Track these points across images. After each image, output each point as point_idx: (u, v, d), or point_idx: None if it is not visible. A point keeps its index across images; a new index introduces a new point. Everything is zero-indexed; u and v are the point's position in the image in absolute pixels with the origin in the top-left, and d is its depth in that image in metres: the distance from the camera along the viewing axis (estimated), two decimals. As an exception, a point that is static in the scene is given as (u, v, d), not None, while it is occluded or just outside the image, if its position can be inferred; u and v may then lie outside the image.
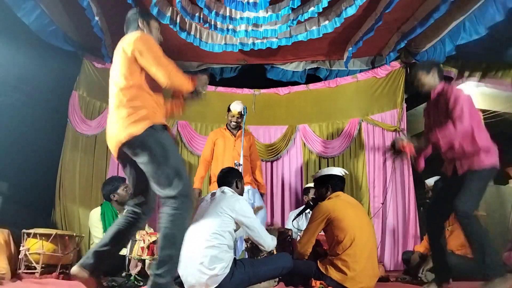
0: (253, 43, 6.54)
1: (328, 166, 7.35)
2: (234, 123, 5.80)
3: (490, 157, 3.73)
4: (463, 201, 3.63)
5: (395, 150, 3.97)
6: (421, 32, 6.20)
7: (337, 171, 4.25)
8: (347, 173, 4.49)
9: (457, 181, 3.80)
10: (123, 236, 3.23)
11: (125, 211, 3.37)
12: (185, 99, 3.70)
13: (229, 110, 5.80)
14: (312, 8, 5.67)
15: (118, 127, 3.07)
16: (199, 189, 5.77)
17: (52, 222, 6.08)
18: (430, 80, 4.07)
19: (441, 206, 4.05)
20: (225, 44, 6.64)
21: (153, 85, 3.17)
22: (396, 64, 7.19)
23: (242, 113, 5.62)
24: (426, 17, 5.89)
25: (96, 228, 4.98)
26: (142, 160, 3.02)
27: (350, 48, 6.82)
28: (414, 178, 6.78)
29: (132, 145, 3.02)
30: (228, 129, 5.89)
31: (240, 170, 4.94)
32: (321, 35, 6.19)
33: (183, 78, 3.22)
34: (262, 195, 5.96)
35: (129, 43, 3.17)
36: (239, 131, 5.82)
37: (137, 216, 3.25)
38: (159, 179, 2.98)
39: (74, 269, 3.04)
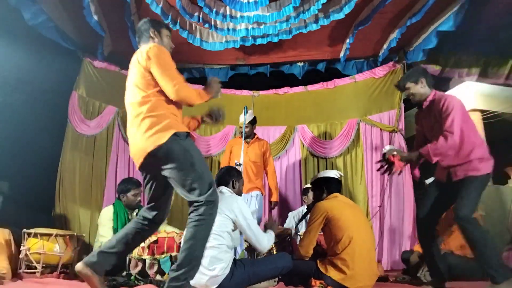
0: (254, 39, 6.54)
1: (326, 166, 7.43)
2: (240, 133, 5.98)
3: (485, 165, 3.73)
4: (462, 207, 3.62)
5: (386, 161, 3.96)
6: (418, 32, 6.23)
7: (333, 173, 4.28)
8: (342, 175, 4.51)
9: (452, 188, 3.80)
10: (131, 241, 3.25)
11: (137, 216, 3.38)
12: (203, 121, 3.79)
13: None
14: (312, 6, 5.69)
15: (141, 138, 3.11)
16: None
17: (52, 221, 6.09)
18: (420, 89, 4.01)
19: (432, 212, 4.02)
20: (226, 41, 6.64)
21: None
22: (394, 64, 7.21)
23: (250, 121, 6.04)
24: (417, 13, 5.91)
25: (104, 227, 4.92)
26: (168, 168, 3.05)
27: (348, 40, 6.80)
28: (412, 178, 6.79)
29: (158, 154, 3.05)
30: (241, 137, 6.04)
31: (240, 170, 4.98)
32: (319, 27, 6.16)
33: (191, 92, 3.24)
34: (273, 203, 6.31)
35: (142, 54, 3.21)
36: (252, 139, 6.17)
37: (147, 223, 3.27)
38: (186, 185, 3.01)
39: (79, 266, 3.06)
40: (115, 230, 4.87)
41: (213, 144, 7.71)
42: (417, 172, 4.27)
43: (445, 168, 3.91)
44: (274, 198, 6.25)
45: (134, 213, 5.13)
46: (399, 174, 4.02)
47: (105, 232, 4.91)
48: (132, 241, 3.26)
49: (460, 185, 3.74)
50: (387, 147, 4.01)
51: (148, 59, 3.17)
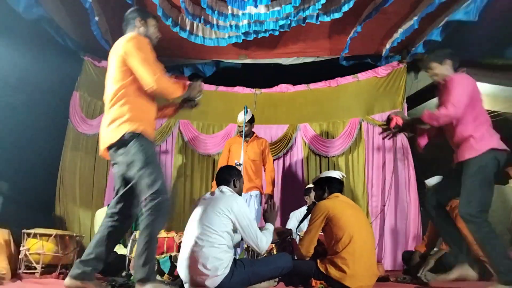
0: (256, 34, 6.52)
1: (328, 165, 7.43)
2: (240, 132, 6.01)
3: (483, 143, 3.64)
4: (462, 205, 3.60)
5: (388, 120, 4.07)
6: (421, 32, 6.19)
7: (335, 174, 4.29)
8: (345, 176, 4.51)
9: (459, 173, 3.77)
10: (107, 242, 3.29)
11: (104, 216, 3.43)
12: (180, 106, 3.80)
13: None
14: (312, 5, 5.70)
15: (106, 130, 3.21)
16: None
17: (53, 222, 6.09)
18: (443, 70, 3.98)
19: (441, 193, 4.03)
20: (229, 37, 6.64)
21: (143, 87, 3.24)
22: (397, 64, 7.19)
23: (249, 120, 5.96)
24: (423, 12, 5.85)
25: None
26: (123, 163, 3.15)
27: (350, 35, 6.77)
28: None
29: (116, 147, 3.16)
30: (240, 136, 6.05)
31: (240, 169, 4.97)
32: (318, 23, 6.13)
33: (169, 84, 3.26)
34: (266, 195, 6.15)
35: (121, 45, 3.24)
36: (251, 138, 6.14)
37: (116, 218, 3.33)
38: (138, 182, 3.09)
39: (67, 281, 3.14)
40: None
41: (215, 142, 7.70)
42: (422, 141, 4.21)
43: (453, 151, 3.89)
44: (268, 190, 6.16)
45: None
46: (390, 136, 4.13)
47: None
48: (108, 241, 3.30)
49: (464, 169, 3.70)
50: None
51: (126, 49, 3.19)
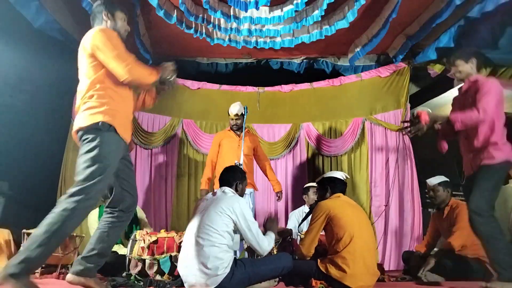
0: (256, 42, 6.55)
1: (331, 165, 7.44)
2: (234, 125, 5.93)
3: (500, 152, 3.69)
4: (474, 200, 3.64)
5: (413, 117, 4.01)
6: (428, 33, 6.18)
7: (339, 174, 4.31)
8: (348, 177, 4.51)
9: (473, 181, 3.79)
10: (107, 238, 3.28)
11: (103, 213, 3.41)
12: (158, 91, 3.73)
13: (229, 113, 5.93)
14: (316, 12, 5.67)
15: (77, 117, 3.19)
16: (206, 189, 5.84)
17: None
18: (468, 68, 3.99)
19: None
20: (230, 40, 6.64)
21: (117, 79, 3.21)
22: (401, 64, 7.17)
23: (243, 113, 5.75)
24: (429, 22, 5.87)
25: (93, 229, 4.96)
26: (80, 153, 3.11)
27: (358, 49, 6.78)
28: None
29: (80, 136, 3.14)
30: (232, 130, 5.98)
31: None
32: (323, 37, 6.19)
33: (143, 71, 3.24)
34: (278, 193, 6.13)
35: (87, 39, 3.20)
36: (241, 132, 5.88)
37: (115, 214, 3.32)
38: (78, 174, 3.04)
39: (69, 277, 3.13)
40: None
41: None
42: (444, 144, 4.22)
43: (468, 159, 3.92)
44: (278, 188, 6.12)
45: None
46: (411, 133, 4.06)
47: None
48: (109, 237, 3.29)
49: (476, 176, 3.75)
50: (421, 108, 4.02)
51: (93, 44, 3.15)
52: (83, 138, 3.10)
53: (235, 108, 5.83)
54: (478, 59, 4.01)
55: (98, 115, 3.10)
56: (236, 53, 7.42)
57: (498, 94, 3.76)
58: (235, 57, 7.70)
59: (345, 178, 4.31)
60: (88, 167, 3.00)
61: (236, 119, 5.87)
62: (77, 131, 3.16)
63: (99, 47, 3.13)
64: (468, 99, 3.90)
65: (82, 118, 3.14)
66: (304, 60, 7.70)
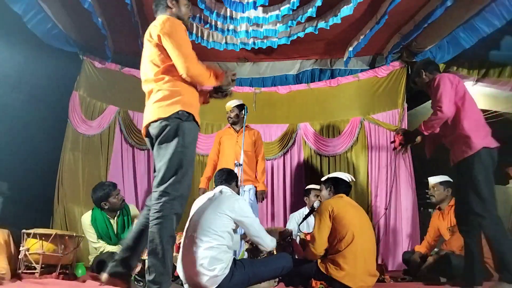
0: (254, 43, 6.56)
1: (329, 165, 7.43)
2: (230, 119, 5.94)
3: (478, 141, 3.75)
4: (476, 202, 3.69)
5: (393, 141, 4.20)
6: (422, 33, 6.22)
7: (344, 176, 4.31)
8: (354, 179, 4.52)
9: (457, 174, 3.94)
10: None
11: (145, 209, 3.31)
12: (210, 96, 3.66)
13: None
14: (310, 9, 5.70)
15: (150, 107, 3.13)
16: (204, 188, 5.86)
17: (52, 222, 6.08)
18: (425, 80, 4.22)
19: (458, 201, 4.13)
20: (226, 43, 6.64)
21: None
22: (397, 64, 7.20)
23: (237, 105, 5.88)
24: (424, 20, 5.93)
25: (88, 232, 4.94)
26: (157, 144, 3.05)
27: (351, 49, 6.82)
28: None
29: (155, 126, 3.06)
30: (231, 126, 6.02)
31: (240, 170, 4.98)
32: (316, 32, 6.20)
33: (202, 72, 3.18)
34: (262, 193, 6.01)
35: (156, 27, 3.16)
36: (241, 128, 5.86)
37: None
38: (160, 171, 2.98)
39: (105, 277, 3.12)
40: (99, 236, 4.91)
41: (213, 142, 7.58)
42: (429, 149, 4.38)
43: (450, 152, 4.01)
44: (261, 186, 6.00)
45: (116, 217, 5.07)
46: (403, 151, 4.33)
47: (90, 237, 4.96)
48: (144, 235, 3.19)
49: (461, 171, 3.83)
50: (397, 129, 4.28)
51: (161, 33, 3.10)
52: (163, 130, 3.03)
53: (231, 102, 5.88)
54: (425, 67, 4.24)
55: (175, 105, 3.06)
56: (233, 57, 7.44)
57: (448, 87, 3.88)
58: (232, 61, 7.74)
59: (350, 180, 4.31)
60: (172, 160, 2.97)
61: (230, 111, 5.92)
62: (152, 122, 3.09)
63: (167, 38, 3.08)
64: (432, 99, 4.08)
65: (159, 108, 3.07)
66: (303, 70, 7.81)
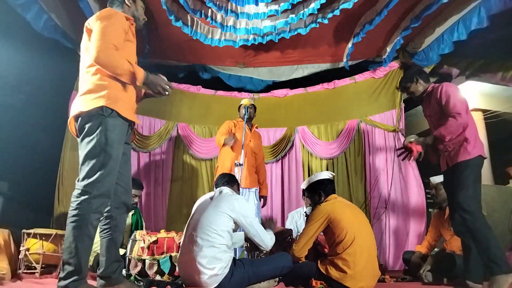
0: (254, 39, 6.54)
1: (327, 167, 7.43)
2: (247, 113, 5.74)
3: (475, 148, 3.89)
4: (463, 198, 3.75)
5: (406, 149, 4.08)
6: (419, 32, 6.26)
7: (325, 175, 4.25)
8: (334, 174, 4.52)
9: (451, 175, 3.97)
10: (114, 241, 3.20)
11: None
12: (145, 95, 3.48)
13: (240, 105, 5.94)
14: (312, 5, 5.70)
15: (75, 102, 3.00)
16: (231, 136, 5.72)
17: (52, 222, 6.08)
18: (418, 87, 4.30)
19: (450, 204, 4.13)
20: (225, 40, 6.65)
21: None
22: (394, 65, 7.24)
23: (253, 104, 5.89)
24: (419, 15, 5.97)
25: None
26: (80, 141, 2.94)
27: (351, 43, 6.80)
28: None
29: (77, 121, 2.95)
30: (247, 123, 5.80)
31: (240, 170, 4.99)
32: (317, 25, 6.15)
33: (118, 61, 2.94)
34: (265, 198, 6.04)
35: (93, 17, 3.07)
36: (253, 127, 5.93)
37: (109, 214, 3.16)
38: (82, 168, 2.87)
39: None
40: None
41: (213, 146, 7.46)
42: (433, 156, 4.36)
43: (444, 157, 4.12)
44: (264, 192, 5.98)
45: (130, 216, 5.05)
46: (420, 159, 4.14)
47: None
48: (115, 240, 3.19)
49: (456, 172, 3.90)
50: (408, 137, 4.13)
51: (95, 19, 3.00)
52: (84, 125, 2.91)
53: (246, 98, 6.00)
54: (420, 75, 4.32)
55: (99, 99, 2.91)
56: (232, 62, 7.46)
57: (457, 94, 4.00)
58: (230, 65, 7.78)
59: (331, 176, 4.26)
60: (92, 157, 2.84)
61: (249, 107, 5.80)
62: (76, 117, 2.96)
63: (97, 24, 2.96)
64: (436, 108, 4.15)
65: (84, 101, 2.93)
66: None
